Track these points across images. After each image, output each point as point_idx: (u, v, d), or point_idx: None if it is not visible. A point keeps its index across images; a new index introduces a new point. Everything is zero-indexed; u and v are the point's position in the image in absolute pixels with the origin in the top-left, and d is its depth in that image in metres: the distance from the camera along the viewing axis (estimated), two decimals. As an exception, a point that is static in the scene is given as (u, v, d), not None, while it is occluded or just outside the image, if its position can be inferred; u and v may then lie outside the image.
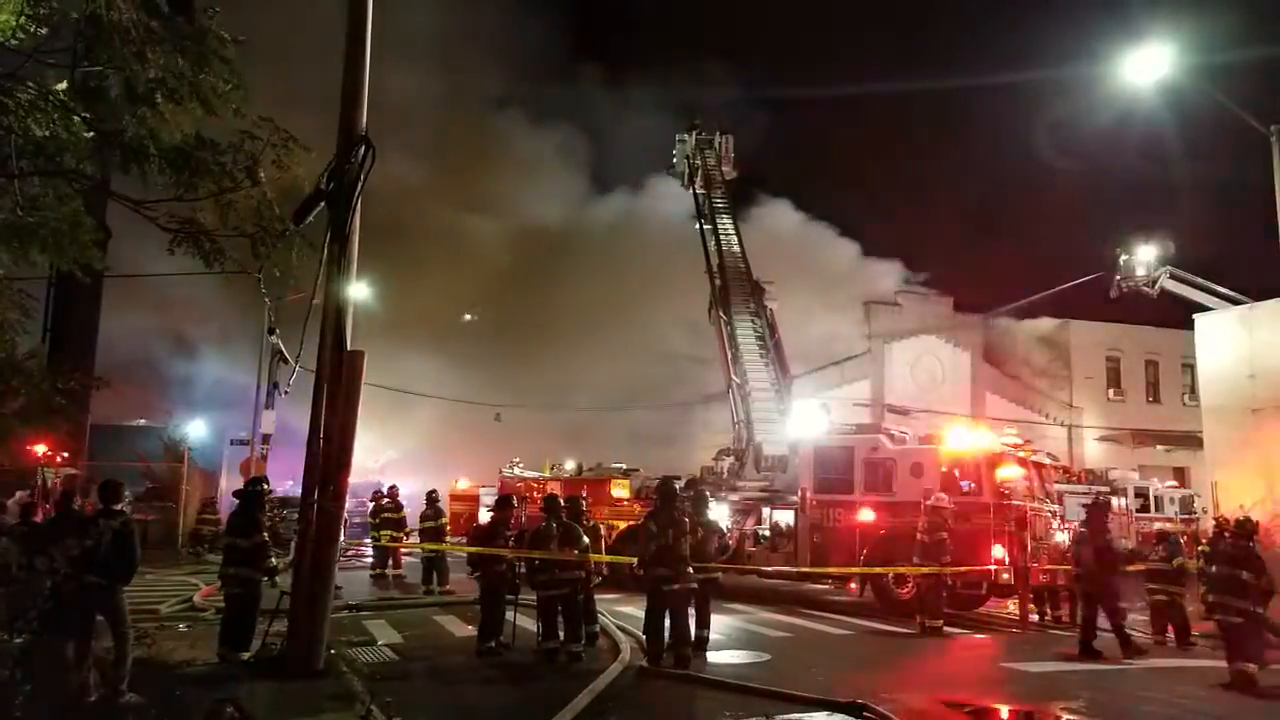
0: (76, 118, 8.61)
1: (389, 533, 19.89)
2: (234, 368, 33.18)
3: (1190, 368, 31.89)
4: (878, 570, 15.82)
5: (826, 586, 18.34)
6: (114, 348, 30.85)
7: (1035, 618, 15.07)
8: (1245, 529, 11.23)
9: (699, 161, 26.87)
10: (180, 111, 8.98)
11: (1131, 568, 14.04)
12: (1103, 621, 12.36)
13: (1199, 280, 22.79)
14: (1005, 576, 14.98)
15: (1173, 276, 23.93)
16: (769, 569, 17.74)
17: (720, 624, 13.34)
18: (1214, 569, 11.13)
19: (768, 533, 18.69)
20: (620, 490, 20.86)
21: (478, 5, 52.42)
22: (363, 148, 10.35)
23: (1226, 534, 12.08)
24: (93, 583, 8.16)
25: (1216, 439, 18.24)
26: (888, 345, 40.14)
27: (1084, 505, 14.26)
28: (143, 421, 33.79)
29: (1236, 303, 20.15)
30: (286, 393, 15.64)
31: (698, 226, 25.18)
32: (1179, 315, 23.18)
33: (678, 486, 12.40)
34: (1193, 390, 30.25)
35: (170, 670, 9.63)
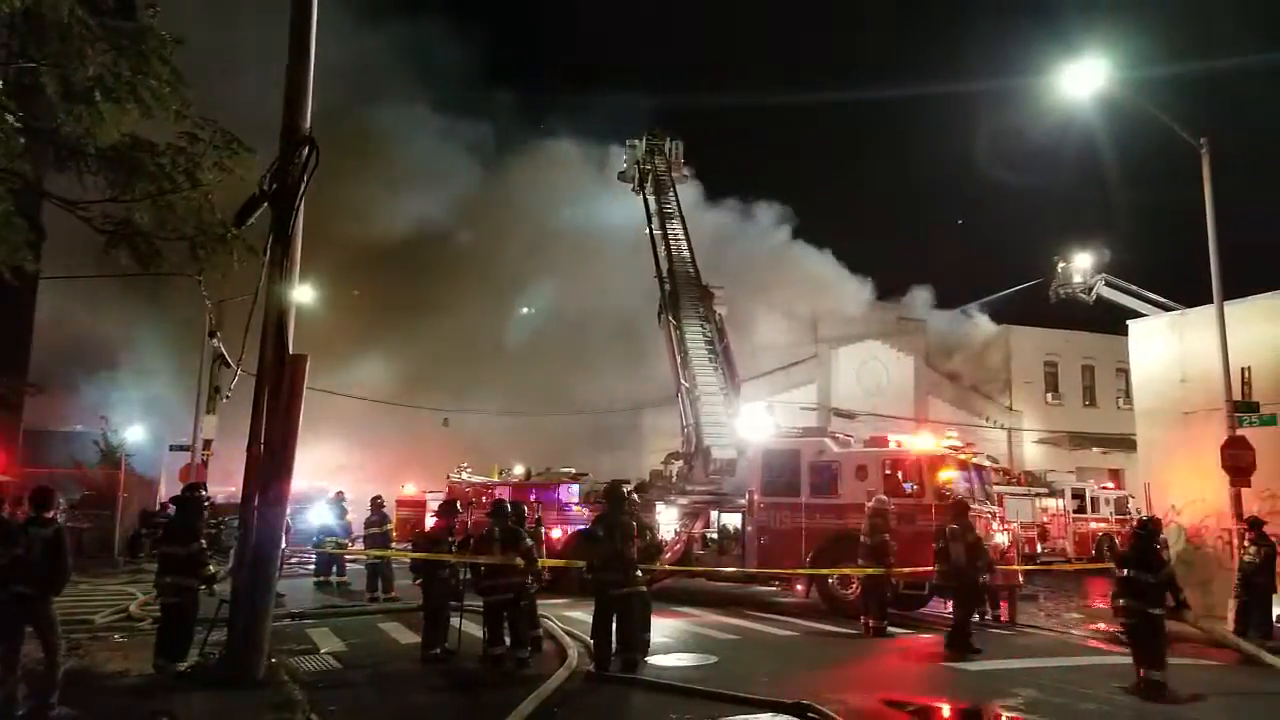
0: (9, 115, 8.40)
1: (333, 539, 19.64)
2: (174, 372, 32.52)
3: (1125, 372, 32.62)
4: (823, 571, 15.98)
5: (773, 588, 18.47)
6: (49, 352, 30.08)
7: (976, 617, 15.28)
8: (1146, 529, 11.05)
9: (649, 166, 26.95)
10: (118, 110, 8.83)
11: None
12: (1050, 620, 12.59)
13: (1133, 287, 23.44)
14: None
15: (1108, 284, 24.60)
16: (717, 571, 17.84)
17: (667, 627, 13.40)
18: (1123, 572, 10.94)
19: (716, 535, 18.78)
20: (569, 495, 20.81)
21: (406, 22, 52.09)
22: (306, 148, 10.21)
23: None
24: (21, 593, 7.95)
25: (1150, 441, 18.70)
26: (834, 350, 40.60)
27: (947, 505, 14.60)
28: (79, 427, 32.98)
29: (1169, 309, 20.73)
30: (228, 397, 15.37)
31: (648, 231, 25.24)
32: (1115, 321, 23.77)
33: (625, 490, 12.39)
34: (1128, 394, 30.93)
35: (103, 682, 9.42)
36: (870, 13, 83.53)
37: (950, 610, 14.29)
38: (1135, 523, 11.87)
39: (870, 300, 43.03)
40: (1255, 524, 14.12)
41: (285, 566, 16.97)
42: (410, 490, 28.07)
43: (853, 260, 44.05)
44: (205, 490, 11.72)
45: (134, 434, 32.63)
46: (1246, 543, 14.08)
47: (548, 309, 39.45)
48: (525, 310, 40.57)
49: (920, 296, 43.98)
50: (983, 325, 44.08)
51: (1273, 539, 13.95)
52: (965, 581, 12.83)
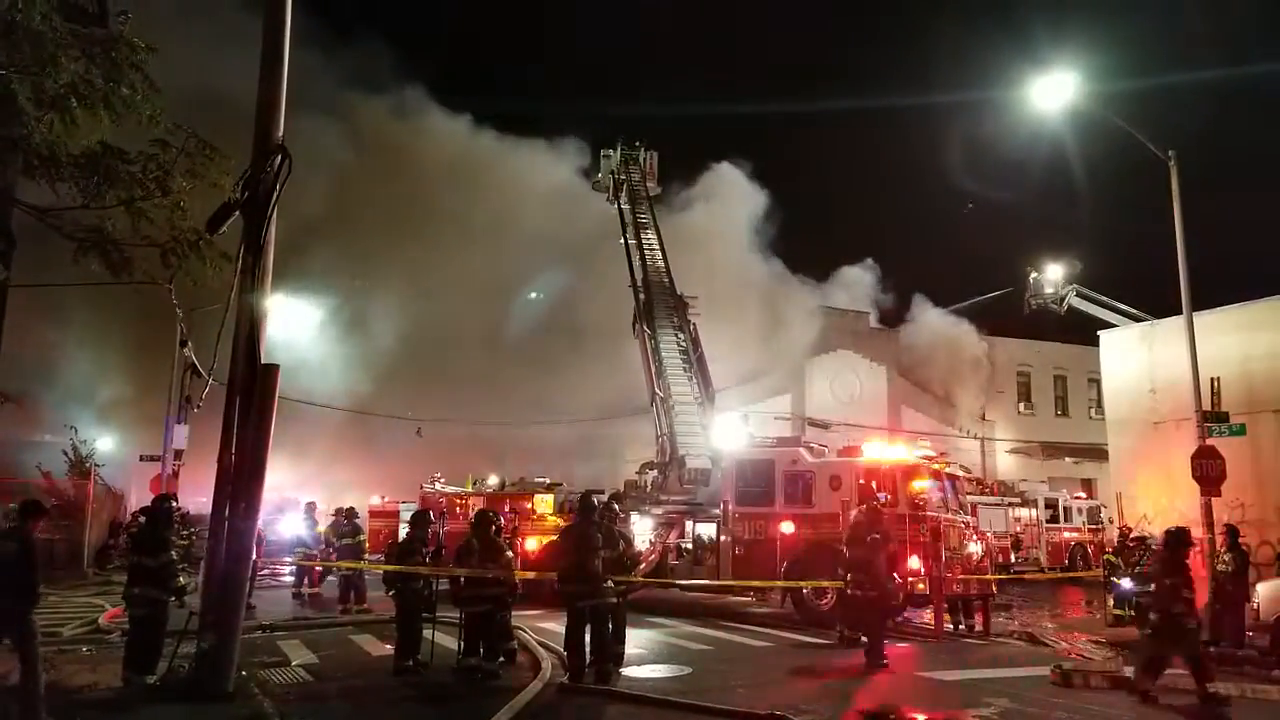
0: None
1: (303, 550, 19.54)
2: (145, 382, 32.19)
3: (1096, 382, 33.00)
4: (799, 584, 15.97)
5: (748, 598, 18.47)
6: (17, 360, 29.66)
7: (950, 627, 15.37)
8: (1175, 537, 10.67)
9: (624, 176, 27.05)
10: (90, 117, 8.77)
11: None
12: (1024, 630, 12.55)
13: (1104, 298, 23.72)
14: (921, 587, 15.25)
15: (1079, 294, 24.90)
16: (692, 582, 17.84)
17: (642, 638, 13.36)
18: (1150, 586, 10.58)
19: (690, 545, 18.77)
20: (543, 505, 20.74)
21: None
22: (279, 157, 10.16)
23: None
24: None
25: (1120, 451, 18.90)
26: (808, 360, 40.73)
27: (859, 510, 14.25)
28: (47, 437, 32.52)
29: (1139, 320, 20.98)
30: (199, 408, 15.24)
31: (622, 241, 25.29)
32: (1086, 331, 24.03)
33: (596, 500, 12.34)
34: (1099, 404, 31.30)
35: (71, 695, 9.28)
36: (838, 25, 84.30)
37: (929, 621, 14.33)
38: (1163, 532, 11.30)
39: (845, 310, 43.17)
40: (1233, 533, 14.31)
41: (257, 578, 16.89)
42: (376, 501, 27.97)
43: (823, 270, 44.37)
44: (176, 501, 11.62)
45: (103, 444, 32.24)
46: (1222, 550, 14.23)
47: (521, 318, 39.32)
48: (533, 295, 40.25)
49: (851, 274, 44.16)
50: (956, 335, 44.29)
51: (1244, 547, 14.12)
52: (886, 592, 12.56)
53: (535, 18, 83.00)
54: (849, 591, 13.25)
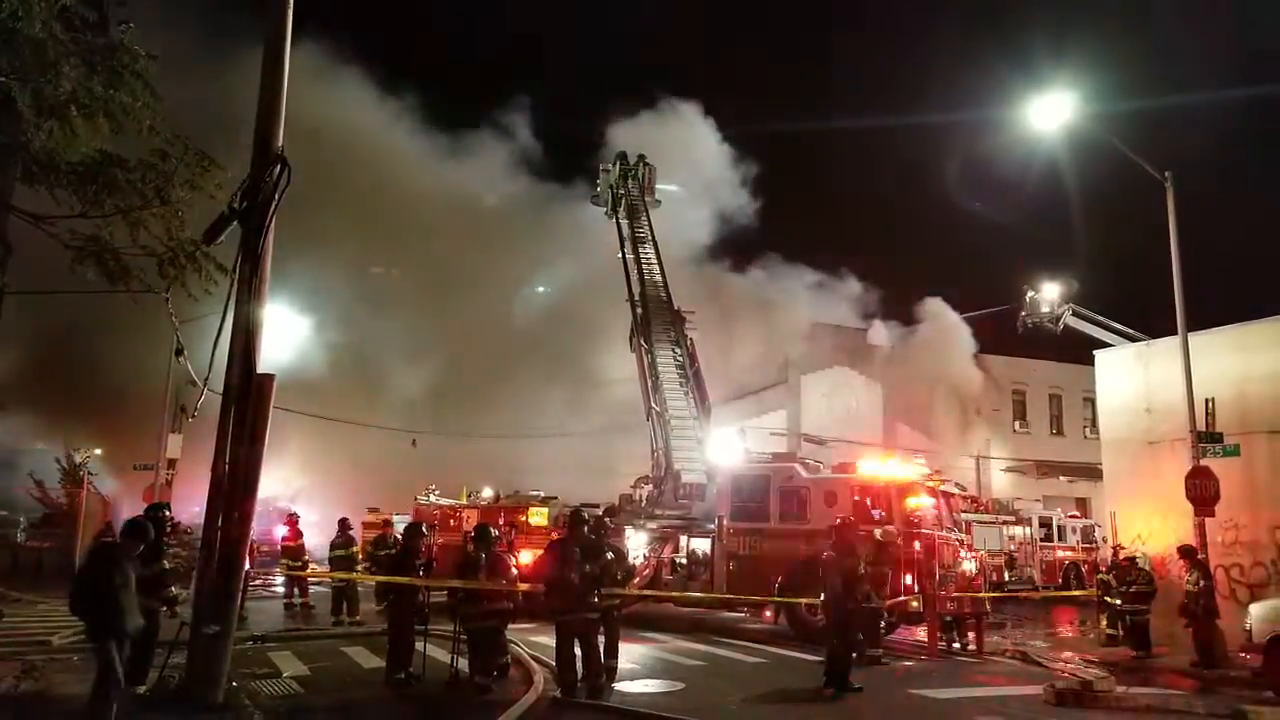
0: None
1: (286, 561, 19.48)
2: (140, 390, 32.12)
3: (1091, 401, 33.01)
4: (798, 600, 15.91)
5: (742, 614, 18.41)
6: (11, 368, 29.64)
7: (944, 645, 15.32)
8: None
9: (622, 190, 27.06)
10: (91, 125, 8.79)
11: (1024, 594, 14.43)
12: (1017, 648, 12.48)
13: (1099, 317, 23.75)
14: (914, 604, 15.22)
15: (1075, 313, 24.93)
16: (685, 596, 17.78)
17: (635, 653, 13.31)
18: None
19: (685, 560, 18.72)
20: (538, 518, 20.68)
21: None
22: (278, 167, 10.16)
23: None
24: None
25: (1115, 471, 18.87)
26: (804, 376, 40.71)
27: (832, 525, 13.14)
28: (40, 445, 32.47)
29: (1134, 339, 20.99)
30: (194, 417, 15.18)
31: (620, 255, 25.29)
32: (1082, 350, 24.07)
33: (588, 515, 12.30)
34: (1094, 423, 31.29)
35: (59, 705, 9.23)
36: (836, 43, 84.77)
37: (922, 638, 14.13)
38: None
39: (841, 326, 43.18)
40: (1189, 553, 14.70)
41: (249, 588, 16.79)
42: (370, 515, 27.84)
43: (820, 286, 44.34)
44: (168, 511, 11.57)
45: (96, 453, 32.18)
46: (1185, 571, 14.53)
47: (518, 331, 39.29)
48: (540, 289, 40.17)
49: (849, 291, 44.23)
50: (952, 352, 44.29)
51: (1215, 569, 14.38)
52: (841, 612, 11.80)
53: (533, 29, 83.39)
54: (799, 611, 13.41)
